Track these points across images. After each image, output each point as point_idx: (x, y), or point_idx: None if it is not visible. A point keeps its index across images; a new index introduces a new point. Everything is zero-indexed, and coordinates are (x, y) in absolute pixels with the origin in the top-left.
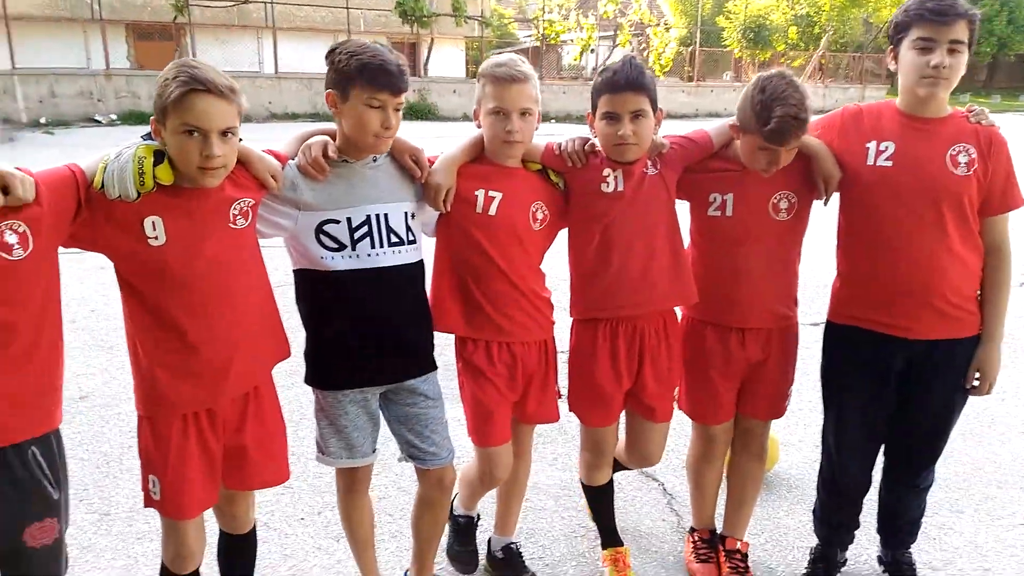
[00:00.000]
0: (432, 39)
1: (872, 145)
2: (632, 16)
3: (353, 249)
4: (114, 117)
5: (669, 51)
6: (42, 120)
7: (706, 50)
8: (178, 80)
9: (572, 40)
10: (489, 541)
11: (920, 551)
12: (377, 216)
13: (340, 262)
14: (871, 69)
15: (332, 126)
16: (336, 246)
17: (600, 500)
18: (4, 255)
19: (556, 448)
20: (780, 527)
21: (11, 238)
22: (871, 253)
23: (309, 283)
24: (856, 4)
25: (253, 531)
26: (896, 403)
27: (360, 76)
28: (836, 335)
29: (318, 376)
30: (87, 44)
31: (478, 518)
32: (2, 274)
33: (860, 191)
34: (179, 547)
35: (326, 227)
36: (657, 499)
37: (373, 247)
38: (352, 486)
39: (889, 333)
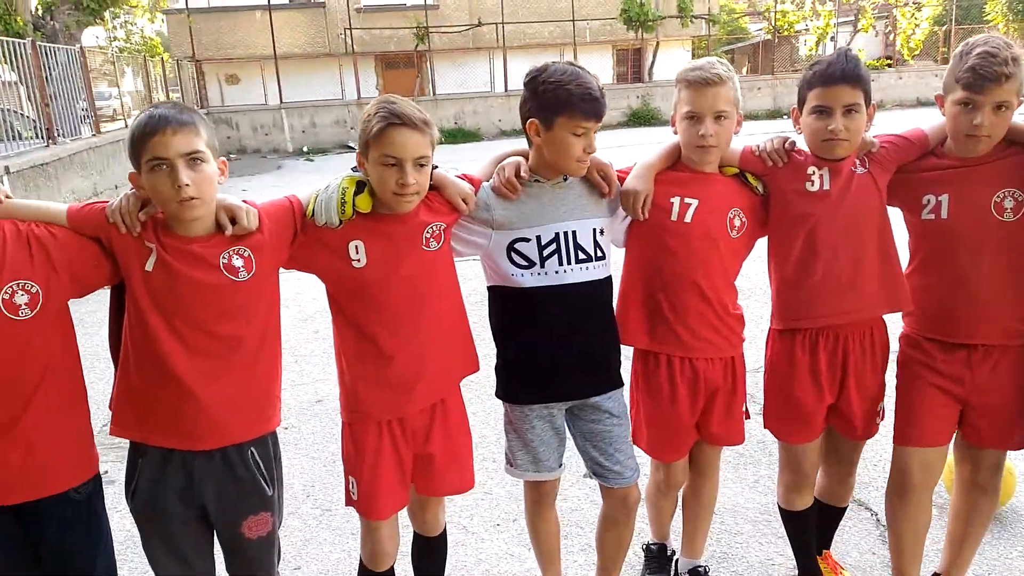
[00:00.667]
0: (657, 42)
1: None
2: None
3: (542, 266)
4: None
5: (920, 32)
6: (304, 148)
7: (964, 28)
8: (379, 115)
9: (808, 29)
10: (676, 563)
11: None
12: (565, 233)
13: (529, 279)
14: None
15: (525, 146)
16: (526, 263)
17: (799, 527)
18: (232, 276)
19: (759, 470)
20: (1012, 569)
21: (238, 262)
22: None
23: (500, 300)
24: None
25: (443, 534)
26: None
27: (568, 106)
28: None
29: (506, 390)
30: (341, 77)
31: (673, 552)
32: (230, 293)
33: None
34: (375, 545)
35: (517, 245)
36: (869, 530)
37: (561, 264)
38: (539, 499)
39: None
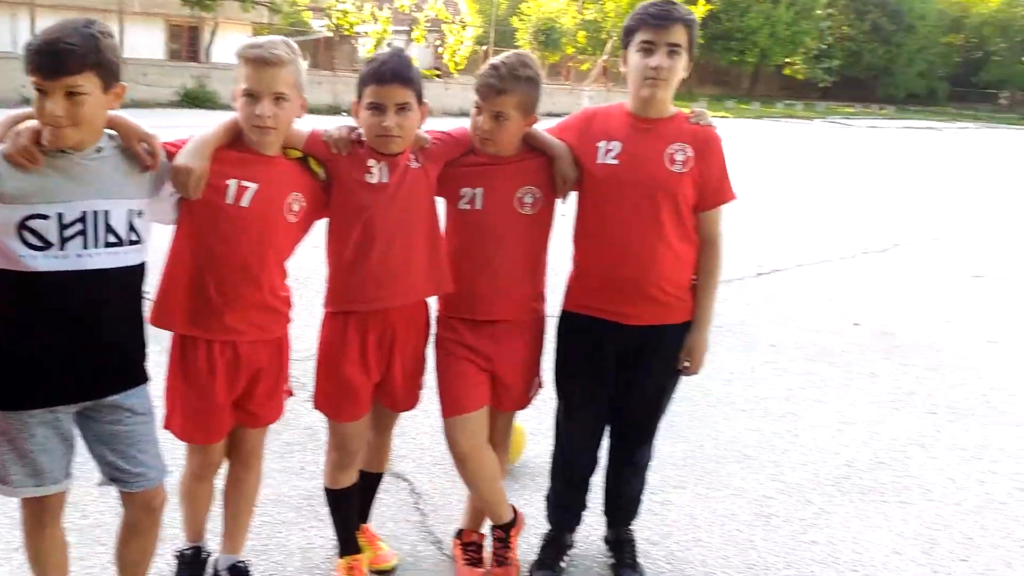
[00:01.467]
0: (216, 23)
1: (602, 144)
2: (428, 11)
3: (61, 248)
4: None
5: (464, 49)
6: None
7: (500, 50)
8: None
9: (367, 32)
10: (215, 562)
11: (642, 527)
12: (95, 213)
13: (43, 262)
14: None
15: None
16: (41, 244)
17: (342, 505)
18: None
19: (305, 456)
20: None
21: None
22: (597, 245)
23: (3, 286)
24: None
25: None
26: (616, 386)
27: (26, 62)
28: (566, 323)
29: (1, 395)
30: None
31: (208, 554)
32: None
33: (590, 187)
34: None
35: (30, 222)
36: (404, 499)
37: (86, 247)
38: (42, 517)
39: (611, 320)
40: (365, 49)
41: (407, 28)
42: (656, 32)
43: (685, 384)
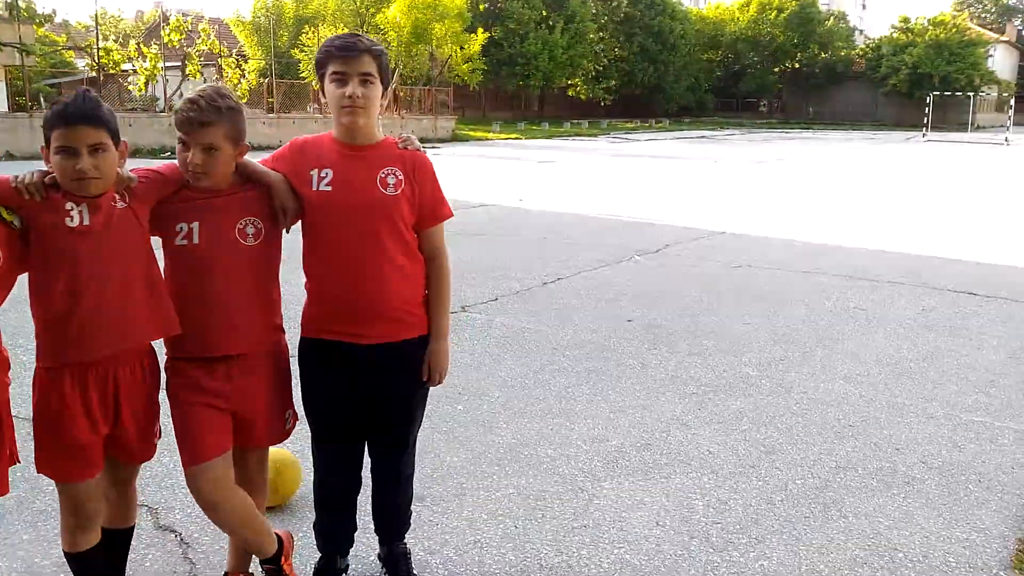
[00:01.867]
0: None
1: (315, 172)
2: (201, 46)
3: None
4: None
5: (244, 82)
6: None
7: (284, 82)
8: None
9: (135, 70)
10: None
11: (421, 539)
12: None
13: None
14: (443, 101)
15: None
16: None
17: (87, 569)
18: None
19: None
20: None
21: None
22: (326, 271)
23: None
24: (420, 40)
25: None
26: (367, 403)
27: None
28: (305, 350)
29: None
30: None
31: None
32: None
33: (310, 215)
34: None
35: None
36: (172, 551)
37: None
38: None
39: (348, 341)
40: (135, 87)
41: (179, 64)
42: (345, 63)
43: (467, 393)
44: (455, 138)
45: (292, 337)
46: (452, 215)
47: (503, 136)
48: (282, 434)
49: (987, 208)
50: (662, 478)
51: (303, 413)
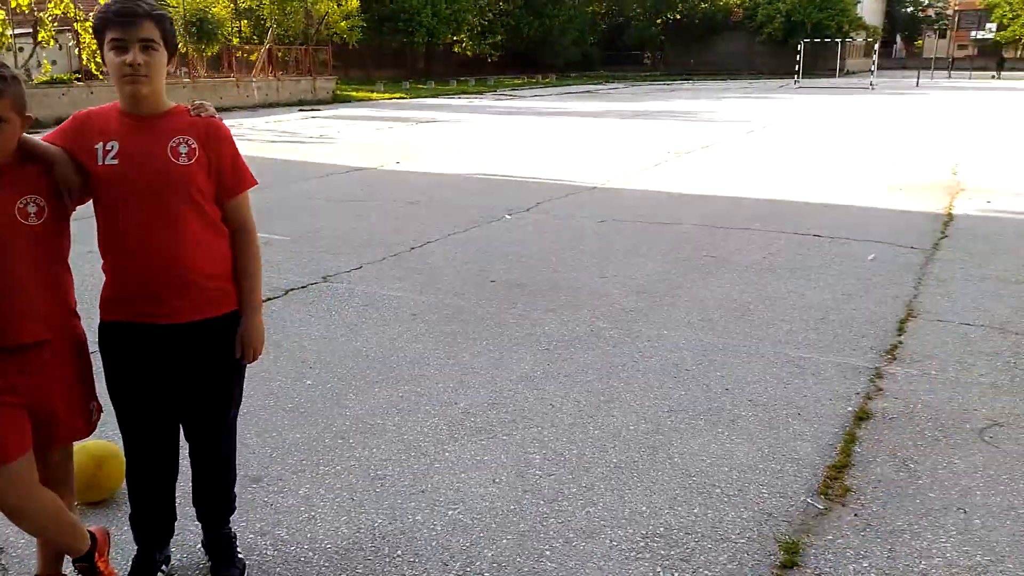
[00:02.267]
0: None
1: (100, 146)
2: (53, 11)
3: None
4: None
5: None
6: None
7: None
8: None
9: None
10: None
11: (252, 521)
12: None
13: None
14: (323, 60)
15: None
16: None
17: None
18: None
19: None
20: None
21: None
22: (120, 250)
23: None
24: None
25: None
26: (178, 385)
27: None
28: (106, 334)
29: None
30: None
31: None
32: None
33: (99, 191)
34: None
35: None
36: None
37: None
38: None
39: (155, 322)
40: None
41: (30, 30)
42: (124, 30)
43: (318, 366)
44: (336, 99)
45: (91, 324)
46: (255, 183)
47: (387, 96)
48: (86, 428)
49: (844, 154)
50: (504, 435)
51: (109, 403)
